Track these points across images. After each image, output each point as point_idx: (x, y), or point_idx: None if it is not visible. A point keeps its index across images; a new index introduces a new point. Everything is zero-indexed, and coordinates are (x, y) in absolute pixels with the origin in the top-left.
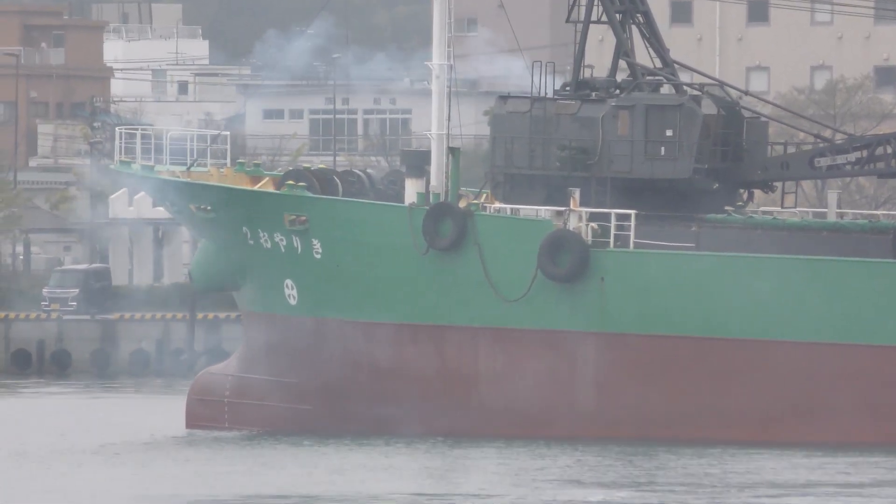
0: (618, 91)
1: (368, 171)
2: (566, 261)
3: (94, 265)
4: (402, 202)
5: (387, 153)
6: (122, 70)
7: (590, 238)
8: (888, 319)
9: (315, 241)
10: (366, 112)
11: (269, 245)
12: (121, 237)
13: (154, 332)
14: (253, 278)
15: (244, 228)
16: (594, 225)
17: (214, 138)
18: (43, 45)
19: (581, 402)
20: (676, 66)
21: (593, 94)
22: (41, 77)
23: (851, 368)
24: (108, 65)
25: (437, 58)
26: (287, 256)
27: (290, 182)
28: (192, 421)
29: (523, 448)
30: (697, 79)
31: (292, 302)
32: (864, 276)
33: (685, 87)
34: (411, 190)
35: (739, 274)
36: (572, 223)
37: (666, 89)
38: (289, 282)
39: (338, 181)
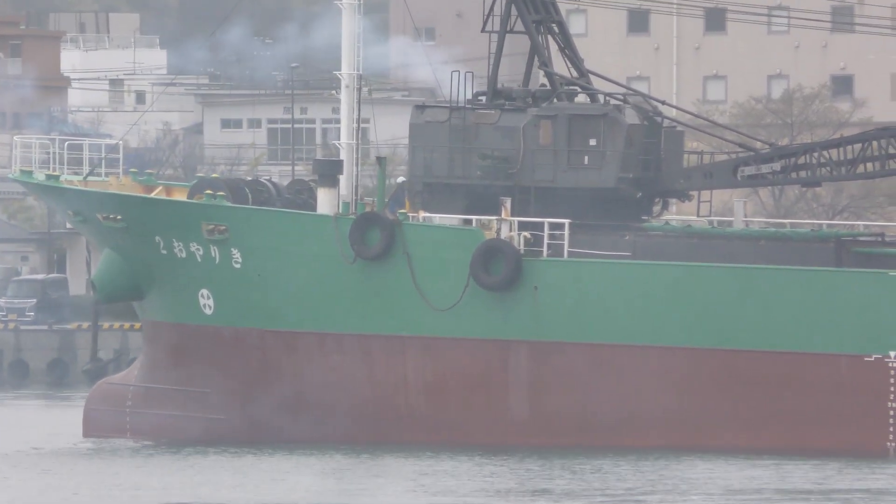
0: (530, 100)
1: (274, 180)
2: (499, 269)
3: (51, 275)
4: (311, 211)
5: None
6: (79, 80)
7: (522, 247)
8: (831, 328)
9: (234, 251)
10: (324, 121)
11: (183, 254)
12: (78, 247)
13: (111, 342)
14: (162, 288)
15: (157, 238)
16: (527, 234)
17: (110, 148)
18: (0, 54)
19: (514, 411)
20: (591, 75)
21: (506, 103)
22: None
23: (791, 376)
24: (66, 74)
25: (346, 67)
26: (203, 266)
27: (209, 192)
28: (91, 430)
29: (446, 457)
30: (608, 86)
31: (208, 312)
32: (807, 285)
33: (607, 97)
34: (324, 199)
35: (677, 282)
36: (504, 232)
37: (582, 99)
38: (204, 291)
39: (247, 190)
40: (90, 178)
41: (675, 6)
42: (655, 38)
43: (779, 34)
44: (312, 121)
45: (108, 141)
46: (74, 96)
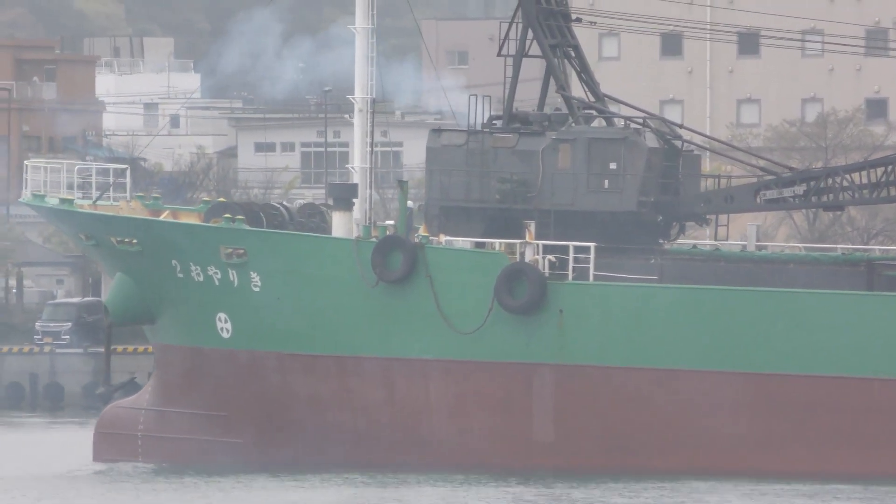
0: (547, 123)
1: (285, 203)
2: (523, 293)
3: (86, 299)
4: (324, 234)
5: (378, 186)
6: (113, 104)
7: (547, 270)
8: (863, 351)
9: (254, 275)
10: None
11: (200, 278)
12: None
13: (146, 365)
14: (177, 311)
15: (173, 261)
16: (551, 257)
17: (121, 172)
18: (35, 79)
19: (538, 435)
20: (607, 99)
21: (522, 127)
22: (33, 111)
23: (820, 399)
24: (100, 99)
25: (359, 91)
26: (221, 289)
27: (228, 215)
28: (101, 455)
29: (470, 482)
30: (626, 111)
31: (225, 335)
32: (838, 308)
33: (627, 121)
34: (339, 222)
35: (705, 306)
36: (528, 255)
37: (597, 122)
38: (222, 315)
39: (262, 214)
40: (99, 202)
41: (708, 30)
42: (689, 61)
43: (813, 58)
44: (345, 144)
45: (115, 165)
46: (109, 120)
